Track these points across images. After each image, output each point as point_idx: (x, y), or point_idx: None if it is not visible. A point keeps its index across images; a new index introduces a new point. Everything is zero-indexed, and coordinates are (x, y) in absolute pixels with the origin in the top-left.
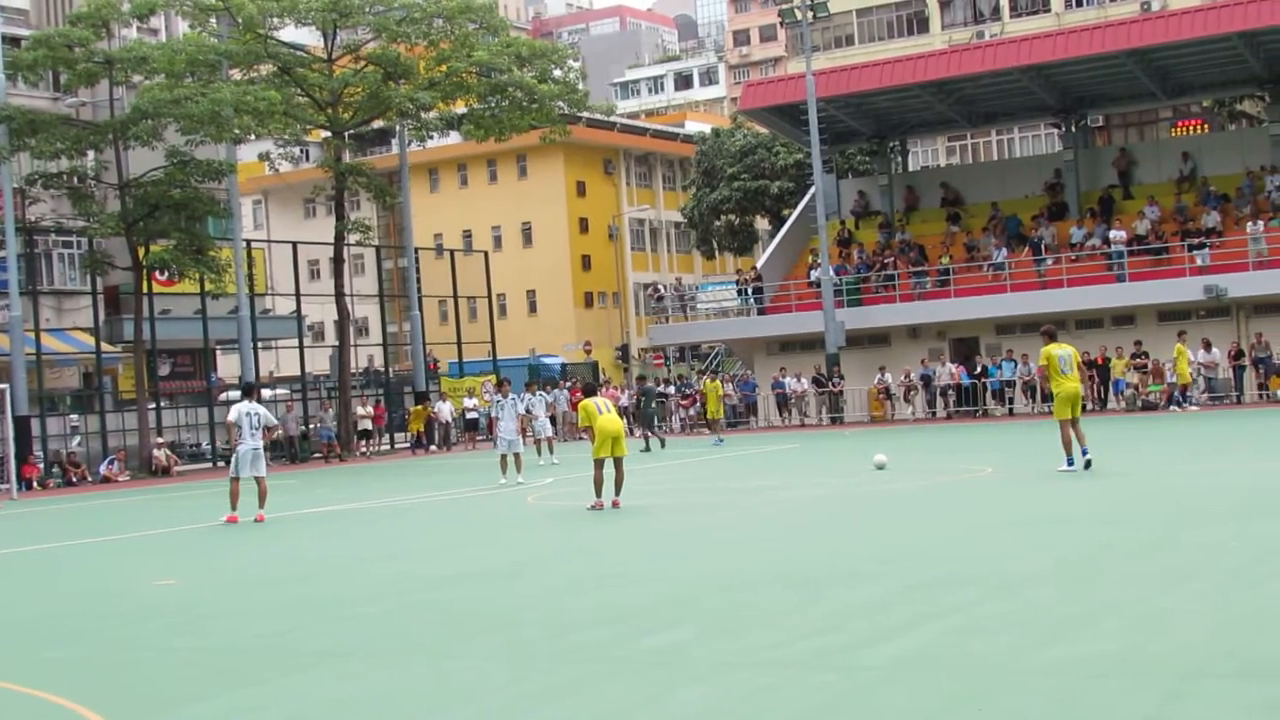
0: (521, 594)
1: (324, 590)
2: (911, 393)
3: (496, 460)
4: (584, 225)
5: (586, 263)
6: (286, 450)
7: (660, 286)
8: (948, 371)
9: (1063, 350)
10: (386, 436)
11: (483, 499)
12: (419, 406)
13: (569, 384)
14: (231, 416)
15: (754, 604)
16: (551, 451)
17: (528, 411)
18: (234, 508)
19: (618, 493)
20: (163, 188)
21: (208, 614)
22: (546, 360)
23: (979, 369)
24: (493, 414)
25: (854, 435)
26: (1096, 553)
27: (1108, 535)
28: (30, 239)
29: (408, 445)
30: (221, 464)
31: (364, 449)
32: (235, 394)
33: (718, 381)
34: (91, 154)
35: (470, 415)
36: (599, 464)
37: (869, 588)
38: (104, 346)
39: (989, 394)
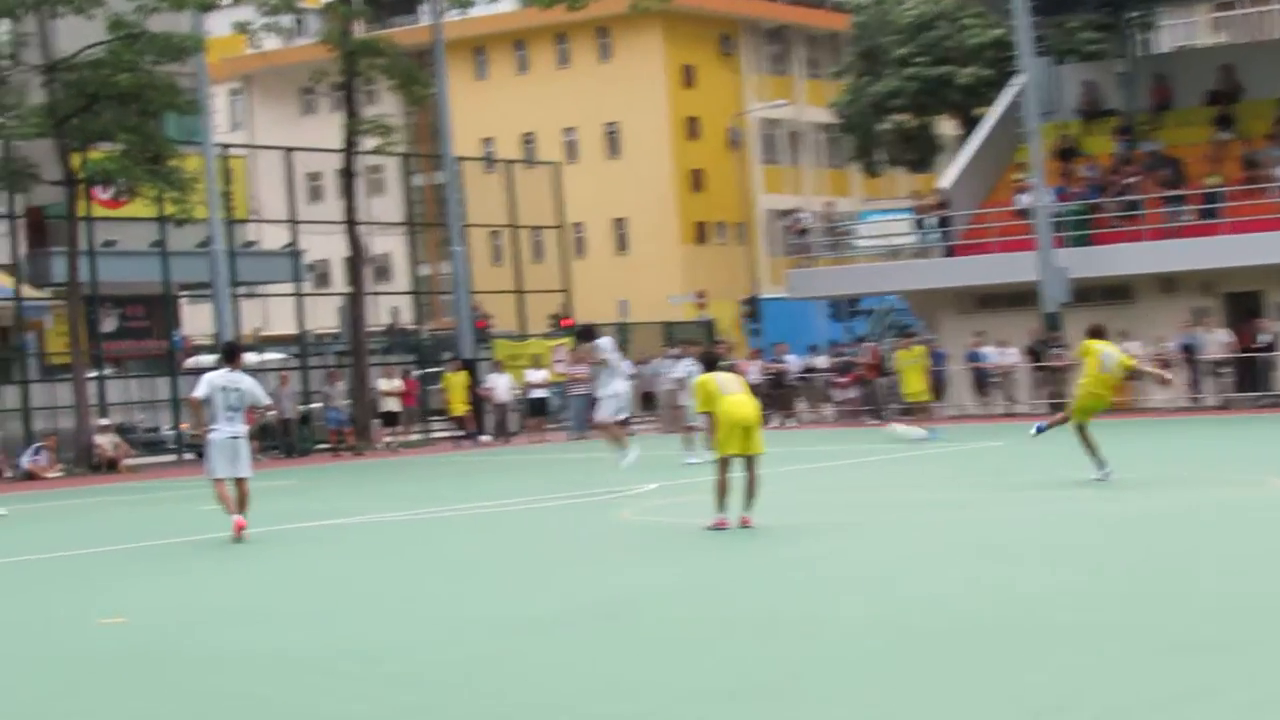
0: (616, 644)
1: (327, 636)
2: (1167, 369)
3: (606, 437)
4: (693, 128)
5: (697, 180)
6: (280, 439)
7: (803, 215)
8: (1217, 340)
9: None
10: (420, 421)
11: (555, 510)
12: (458, 378)
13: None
14: (199, 391)
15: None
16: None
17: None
18: (231, 511)
19: (748, 507)
20: (104, 72)
21: (160, 664)
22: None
23: (1265, 337)
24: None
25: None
26: None
27: None
28: None
29: (450, 433)
30: (189, 456)
31: (388, 438)
32: (209, 359)
33: (918, 349)
34: (6, 24)
35: (536, 394)
36: (723, 464)
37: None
38: (25, 291)
39: (1276, 373)
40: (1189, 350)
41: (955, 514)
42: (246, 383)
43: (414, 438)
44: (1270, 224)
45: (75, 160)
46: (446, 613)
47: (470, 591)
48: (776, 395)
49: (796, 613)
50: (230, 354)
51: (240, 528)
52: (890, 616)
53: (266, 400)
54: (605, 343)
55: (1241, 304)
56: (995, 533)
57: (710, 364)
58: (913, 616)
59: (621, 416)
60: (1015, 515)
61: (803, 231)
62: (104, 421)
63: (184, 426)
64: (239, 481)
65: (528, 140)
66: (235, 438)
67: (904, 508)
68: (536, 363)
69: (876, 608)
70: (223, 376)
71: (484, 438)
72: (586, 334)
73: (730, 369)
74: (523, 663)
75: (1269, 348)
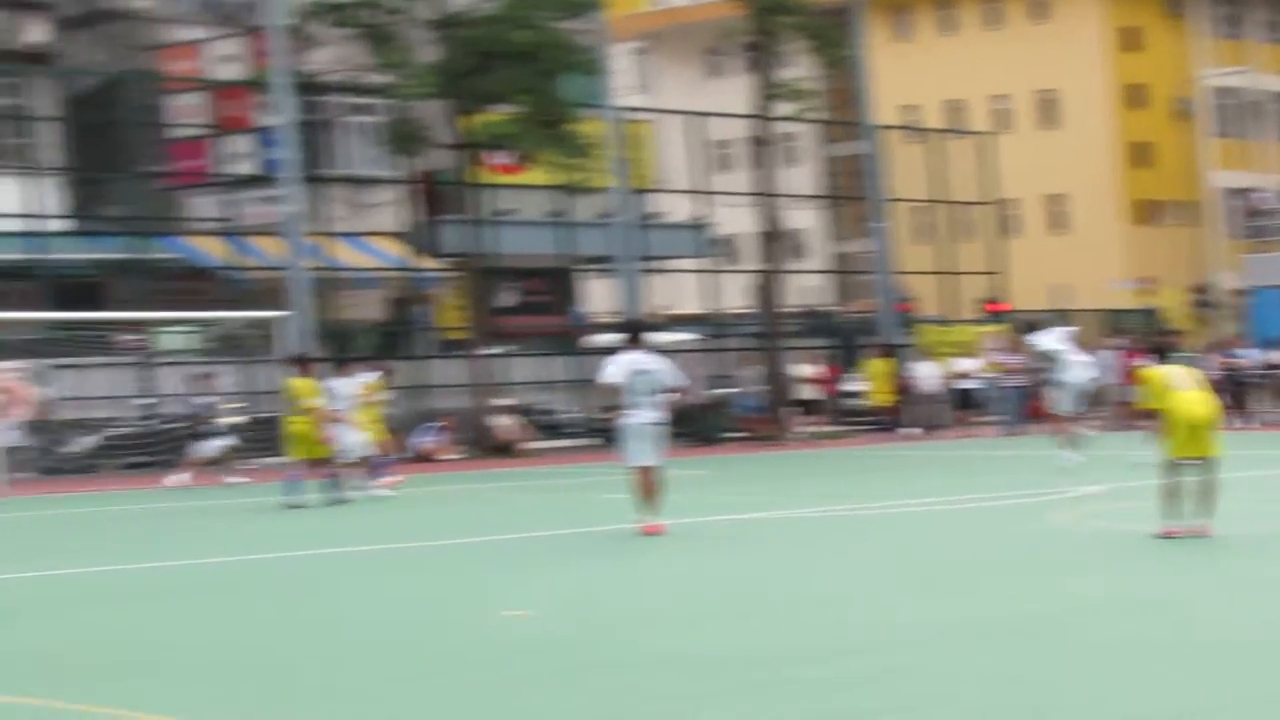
0: (1045, 658)
1: (737, 638)
2: None
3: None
4: (1138, 96)
5: (1141, 154)
6: (688, 426)
7: (1261, 195)
8: None
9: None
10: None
11: (983, 511)
12: (881, 365)
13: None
14: (613, 375)
15: None
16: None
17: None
18: (645, 512)
19: (1206, 514)
20: (500, 28)
21: (557, 665)
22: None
23: None
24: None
25: None
26: None
27: None
28: (309, 101)
29: (871, 425)
30: (590, 441)
31: (804, 428)
32: (611, 338)
33: None
34: None
35: (965, 384)
36: (1173, 468)
37: None
38: (419, 261)
39: None
40: None
41: None
42: (660, 364)
43: (832, 428)
44: None
45: (468, 123)
46: (864, 617)
47: (889, 596)
48: (1232, 393)
49: (1258, 637)
50: (635, 333)
51: (652, 530)
52: None
53: (682, 382)
54: (1048, 335)
55: None
56: None
57: (1161, 353)
58: None
59: (1075, 411)
60: None
61: (1261, 212)
62: (503, 402)
63: (587, 410)
64: (651, 470)
65: (954, 108)
66: (651, 423)
67: None
68: (965, 351)
69: None
70: (636, 358)
71: (908, 430)
72: (1026, 328)
73: (1188, 362)
74: (942, 672)
75: None
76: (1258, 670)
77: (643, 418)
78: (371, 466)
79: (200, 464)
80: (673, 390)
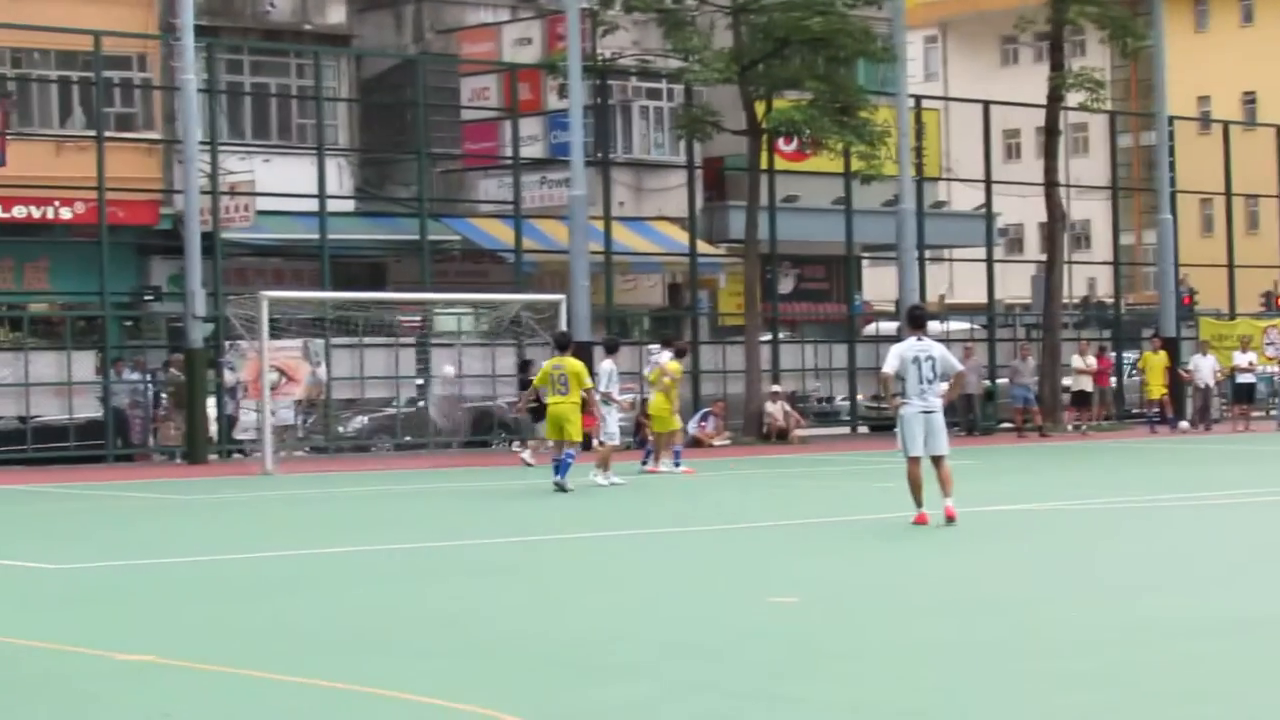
0: None
1: (1012, 627)
2: None
3: None
4: None
5: None
6: (962, 415)
7: None
8: None
9: None
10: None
11: (1260, 506)
12: (1157, 358)
13: None
14: (890, 364)
15: None
16: None
17: None
18: (919, 502)
19: None
20: (796, 15)
21: (814, 657)
22: None
23: None
24: None
25: None
26: None
27: None
28: (600, 84)
29: (1145, 417)
30: (864, 429)
31: (1078, 420)
32: (890, 326)
33: None
34: None
35: (1243, 379)
36: None
37: None
38: (701, 247)
39: None
40: None
41: None
42: (938, 351)
43: (1104, 421)
44: None
45: (759, 110)
46: (1141, 610)
47: (1160, 589)
48: None
49: None
50: (915, 321)
51: (921, 520)
52: None
53: (960, 368)
54: None
55: None
56: None
57: None
58: None
59: None
60: None
61: None
62: (776, 388)
63: (861, 398)
64: (937, 460)
65: (1248, 100)
66: (929, 412)
67: None
68: (1244, 345)
69: None
70: (913, 346)
71: (1183, 424)
72: None
73: None
74: (1216, 667)
75: None
76: None
77: (920, 406)
78: (669, 448)
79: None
80: (952, 378)
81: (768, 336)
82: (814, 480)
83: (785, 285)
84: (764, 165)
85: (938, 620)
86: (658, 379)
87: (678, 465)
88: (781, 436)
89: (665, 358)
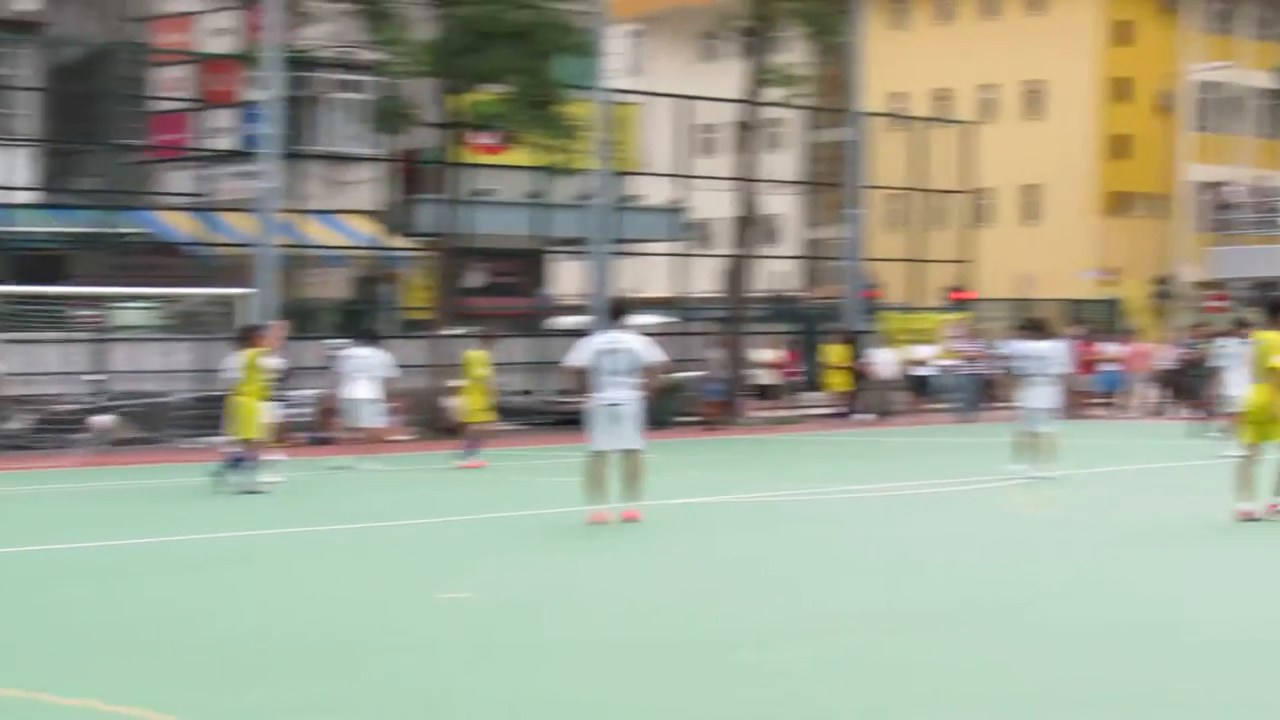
0: (988, 645)
1: (678, 623)
2: None
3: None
4: (1123, 90)
5: (1120, 147)
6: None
7: (1231, 188)
8: None
9: None
10: (796, 396)
11: (934, 497)
12: (838, 351)
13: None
14: (577, 358)
15: None
16: None
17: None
18: (597, 499)
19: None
20: (497, 8)
21: (486, 647)
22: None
23: None
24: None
25: None
26: None
27: None
28: (297, 77)
29: (828, 410)
30: (544, 423)
31: (759, 412)
32: (575, 321)
33: None
34: None
35: (919, 372)
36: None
37: None
38: (392, 240)
39: None
40: None
41: None
42: (634, 343)
43: (786, 414)
44: None
45: (455, 102)
46: (807, 603)
47: (841, 581)
48: (1184, 384)
49: (1193, 617)
50: (614, 312)
51: (599, 519)
52: None
53: (659, 359)
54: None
55: None
56: None
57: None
58: None
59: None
60: None
61: (1229, 206)
62: (459, 383)
63: (547, 393)
64: (627, 455)
65: (942, 97)
66: (616, 405)
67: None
68: (925, 338)
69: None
70: (605, 338)
71: (862, 416)
72: (1034, 327)
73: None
74: (892, 657)
75: None
76: (1188, 653)
77: (607, 399)
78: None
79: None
80: (650, 369)
81: (454, 331)
82: (494, 475)
83: (475, 279)
84: (458, 159)
85: (610, 617)
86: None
87: (466, 459)
88: (460, 432)
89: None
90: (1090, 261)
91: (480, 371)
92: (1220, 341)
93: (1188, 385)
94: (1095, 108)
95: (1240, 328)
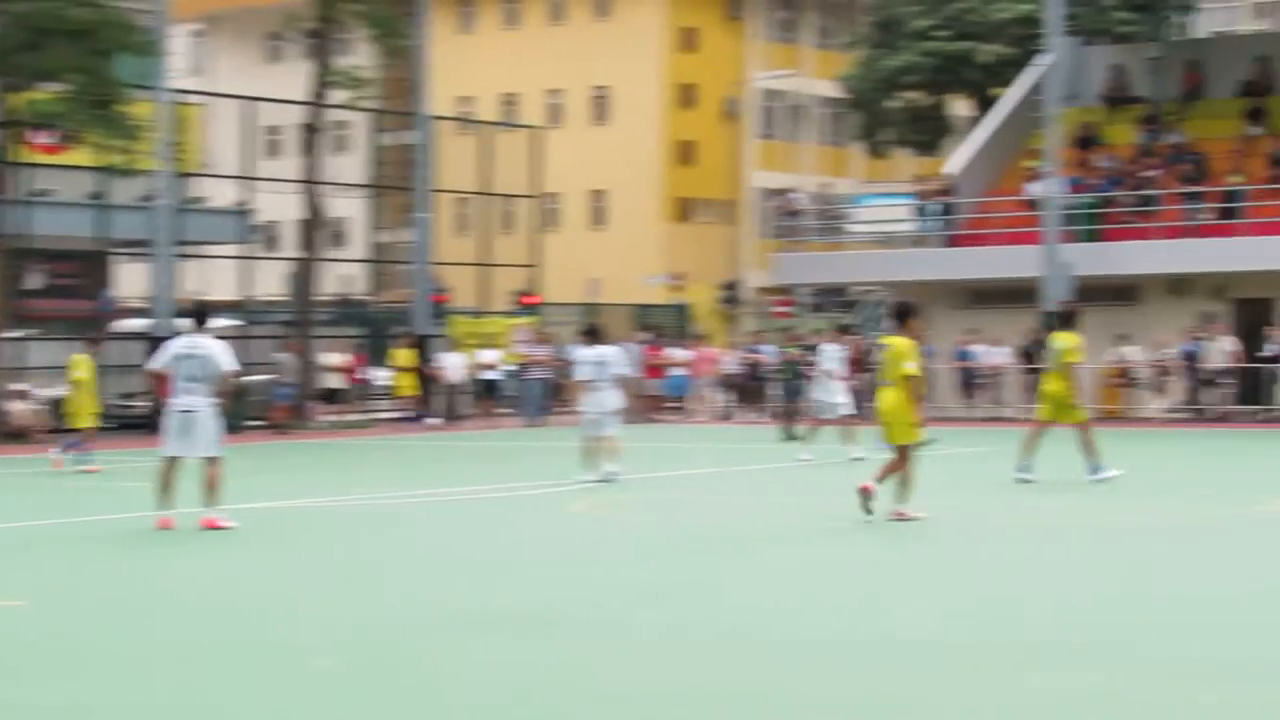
0: (548, 647)
1: (240, 630)
2: (1166, 378)
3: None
4: (689, 96)
5: (687, 153)
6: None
7: (796, 195)
8: (1223, 349)
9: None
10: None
11: (501, 501)
12: (408, 354)
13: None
14: (157, 362)
15: None
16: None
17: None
18: (164, 504)
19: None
20: (56, 5)
21: (59, 654)
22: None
23: (1273, 347)
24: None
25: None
26: None
27: None
28: None
29: (399, 414)
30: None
31: (328, 416)
32: (138, 324)
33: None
34: None
35: (487, 376)
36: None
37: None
38: None
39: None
40: (1191, 358)
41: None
42: (212, 349)
43: (355, 418)
44: None
45: (14, 100)
46: (365, 612)
47: (417, 585)
48: (750, 388)
49: (771, 619)
50: (195, 317)
51: (165, 524)
52: (877, 637)
53: (233, 367)
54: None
55: (1252, 311)
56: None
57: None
58: (912, 632)
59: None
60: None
61: (794, 213)
62: (20, 386)
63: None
64: (207, 462)
65: (509, 101)
66: (189, 411)
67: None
68: (493, 342)
69: (864, 628)
70: (183, 343)
71: (431, 420)
72: (592, 332)
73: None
74: (449, 663)
75: (1275, 359)
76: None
77: (181, 405)
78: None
79: None
80: (226, 375)
81: (15, 334)
82: (43, 481)
83: (35, 281)
84: (17, 158)
85: (179, 621)
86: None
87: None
88: (25, 436)
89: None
90: (658, 267)
91: (84, 375)
92: (822, 346)
93: (755, 390)
94: (661, 114)
95: (842, 333)
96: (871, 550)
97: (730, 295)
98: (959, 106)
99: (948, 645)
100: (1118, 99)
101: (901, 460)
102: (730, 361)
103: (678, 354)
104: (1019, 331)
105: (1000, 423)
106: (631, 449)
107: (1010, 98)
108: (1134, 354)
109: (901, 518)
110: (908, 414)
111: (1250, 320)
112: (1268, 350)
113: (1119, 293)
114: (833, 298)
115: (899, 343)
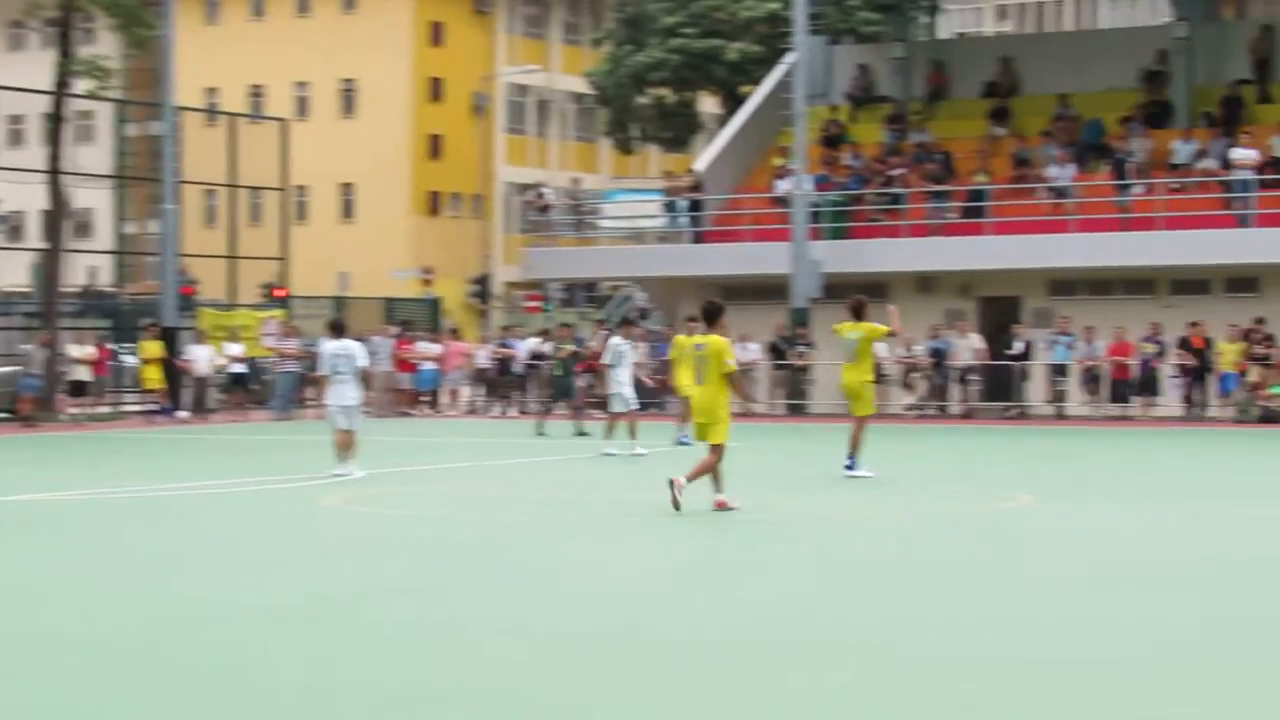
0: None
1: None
2: (914, 374)
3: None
4: (437, 90)
5: (436, 147)
6: None
7: (546, 190)
8: (970, 346)
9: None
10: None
11: (255, 496)
12: (155, 346)
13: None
14: None
15: None
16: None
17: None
18: None
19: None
20: None
21: None
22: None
23: (1019, 344)
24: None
25: (821, 434)
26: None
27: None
28: None
29: (147, 407)
30: None
31: (76, 409)
32: None
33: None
34: None
35: (238, 369)
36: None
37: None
38: None
39: (1028, 383)
40: (938, 355)
41: (678, 519)
42: None
43: (103, 410)
44: (1034, 226)
45: None
46: (118, 607)
47: (151, 582)
48: (501, 383)
49: (527, 612)
50: None
51: None
52: (624, 629)
53: None
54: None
55: (999, 309)
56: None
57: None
58: (658, 629)
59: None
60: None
61: (545, 208)
62: None
63: None
64: None
65: (256, 93)
66: None
67: (610, 510)
68: (241, 335)
69: (611, 618)
70: None
71: (180, 413)
72: (334, 326)
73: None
74: (202, 656)
75: (1021, 356)
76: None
77: None
78: None
79: None
80: None
81: None
82: None
83: None
84: None
85: None
86: None
87: None
88: None
89: None
90: (407, 260)
91: None
92: (614, 341)
93: (506, 384)
94: (410, 108)
95: (628, 326)
96: (632, 545)
97: (480, 290)
98: (707, 103)
99: (715, 644)
100: (864, 98)
101: (715, 458)
102: (482, 356)
103: (429, 348)
104: (769, 328)
105: (749, 418)
106: (383, 443)
107: (758, 95)
108: (881, 350)
109: (722, 507)
110: (725, 412)
111: (997, 318)
112: (1015, 348)
113: (867, 290)
114: (583, 293)
115: (715, 340)
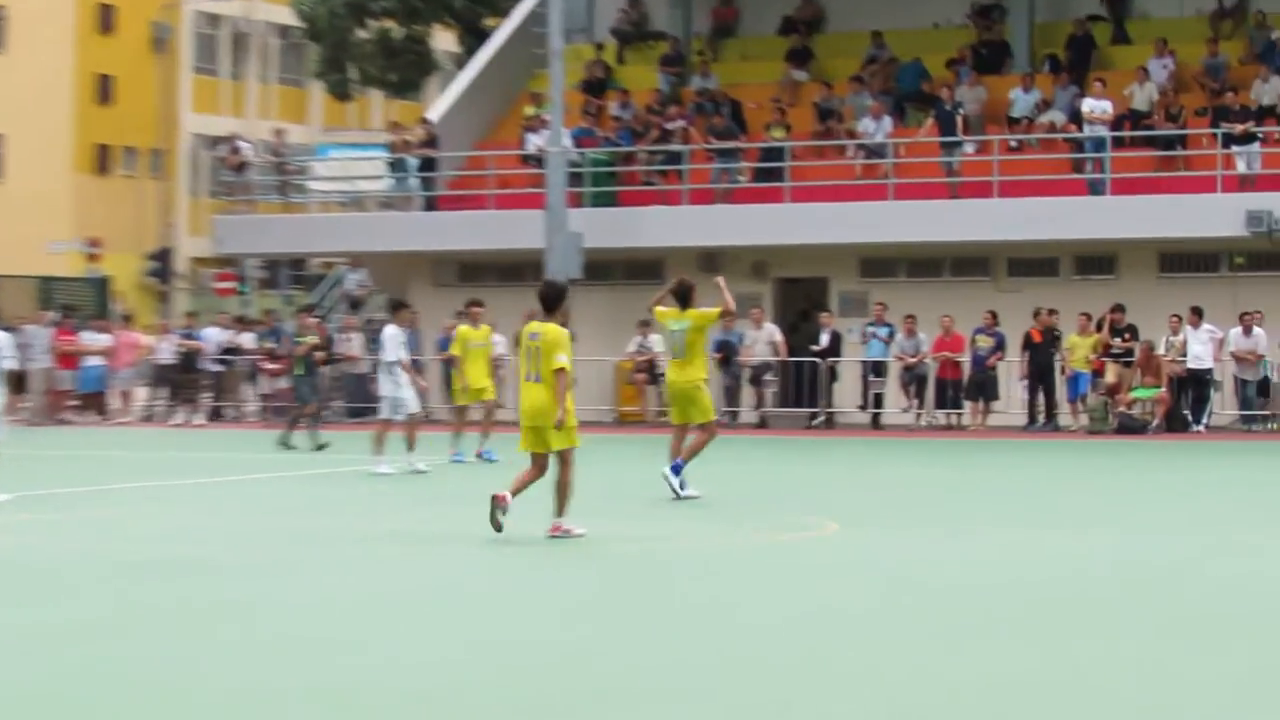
0: None
1: None
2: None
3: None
4: (107, 19)
5: (105, 90)
6: None
7: (242, 144)
8: (765, 339)
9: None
10: None
11: None
12: None
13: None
14: None
15: None
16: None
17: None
18: None
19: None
20: None
21: None
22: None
23: (825, 337)
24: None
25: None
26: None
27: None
28: None
29: None
30: None
31: None
32: None
33: (486, 328)
34: None
35: None
36: None
37: None
38: None
39: (836, 384)
40: (727, 350)
41: (418, 548)
42: None
43: None
44: (843, 193)
45: None
46: None
47: None
48: (185, 382)
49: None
50: None
51: None
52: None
53: None
54: None
55: (800, 293)
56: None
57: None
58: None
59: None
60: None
61: (242, 165)
62: None
63: None
64: None
65: None
66: None
67: (317, 541)
68: None
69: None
70: None
71: None
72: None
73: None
74: None
75: (828, 351)
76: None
77: None
78: None
79: None
80: None
81: None
82: None
83: None
84: None
85: None
86: None
87: None
88: None
89: None
90: (69, 230)
91: None
92: (390, 331)
93: (191, 383)
94: (73, 41)
95: (402, 310)
96: (390, 578)
97: (160, 267)
98: (442, 39)
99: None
100: (634, 34)
101: (551, 467)
102: (162, 349)
103: (95, 339)
104: (518, 315)
105: (497, 427)
106: (36, 458)
107: (504, 30)
108: (658, 344)
109: (562, 534)
110: (556, 414)
111: (798, 304)
112: (821, 341)
113: (640, 269)
114: (289, 271)
115: (551, 331)
